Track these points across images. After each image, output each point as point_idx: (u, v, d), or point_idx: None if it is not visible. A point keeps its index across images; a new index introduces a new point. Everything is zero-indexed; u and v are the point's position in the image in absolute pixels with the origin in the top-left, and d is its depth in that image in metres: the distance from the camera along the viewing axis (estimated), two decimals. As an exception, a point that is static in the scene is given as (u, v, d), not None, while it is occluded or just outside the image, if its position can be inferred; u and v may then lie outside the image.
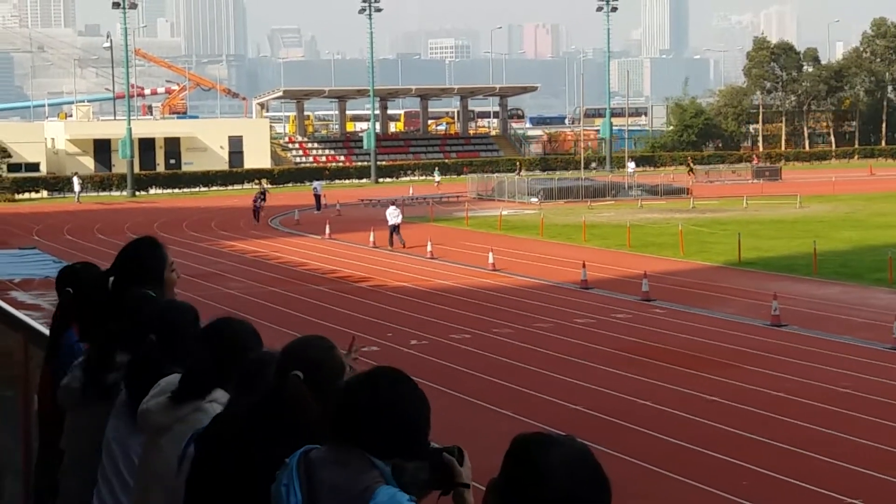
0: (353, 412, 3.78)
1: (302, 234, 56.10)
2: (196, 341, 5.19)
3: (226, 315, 5.37)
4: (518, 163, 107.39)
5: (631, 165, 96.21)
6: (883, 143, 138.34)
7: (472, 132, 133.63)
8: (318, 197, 71.16)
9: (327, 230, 54.51)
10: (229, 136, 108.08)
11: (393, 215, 48.77)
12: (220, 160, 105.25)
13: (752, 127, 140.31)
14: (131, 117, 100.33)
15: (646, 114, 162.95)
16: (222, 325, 5.21)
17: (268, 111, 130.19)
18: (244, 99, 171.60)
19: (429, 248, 45.21)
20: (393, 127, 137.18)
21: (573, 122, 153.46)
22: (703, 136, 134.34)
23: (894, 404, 19.89)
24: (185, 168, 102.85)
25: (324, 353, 4.46)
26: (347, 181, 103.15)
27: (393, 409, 3.77)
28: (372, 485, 3.65)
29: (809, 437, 17.83)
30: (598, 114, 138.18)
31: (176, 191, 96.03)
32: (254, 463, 4.27)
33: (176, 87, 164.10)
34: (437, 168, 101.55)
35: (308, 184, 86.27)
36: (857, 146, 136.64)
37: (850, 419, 18.95)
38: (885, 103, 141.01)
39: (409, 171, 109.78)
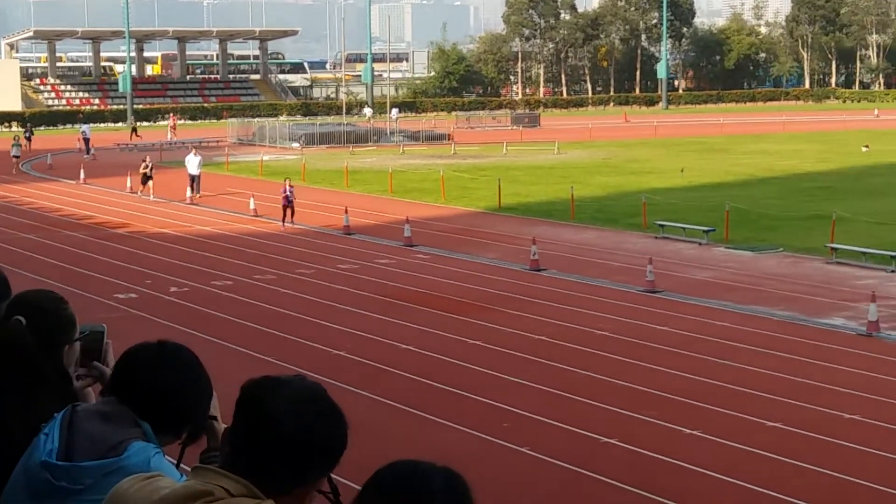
0: (132, 382, 3.68)
1: (55, 178, 54.35)
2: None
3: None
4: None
5: (394, 112, 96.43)
6: (637, 90, 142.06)
7: (231, 76, 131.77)
8: (87, 140, 69.21)
9: (82, 175, 52.96)
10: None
11: (194, 164, 45.04)
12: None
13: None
14: None
15: (407, 59, 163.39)
16: None
17: (17, 52, 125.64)
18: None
19: (188, 193, 44.37)
20: (150, 70, 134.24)
21: (335, 67, 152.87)
22: (464, 82, 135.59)
23: (650, 346, 20.41)
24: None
25: (51, 304, 4.42)
26: (103, 125, 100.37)
27: (170, 387, 3.67)
28: (128, 439, 3.56)
29: (569, 380, 18.13)
30: (359, 59, 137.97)
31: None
32: None
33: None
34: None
35: (76, 126, 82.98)
36: (612, 93, 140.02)
37: (608, 361, 19.36)
38: (639, 51, 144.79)
39: (167, 115, 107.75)
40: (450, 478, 2.73)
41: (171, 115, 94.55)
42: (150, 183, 45.52)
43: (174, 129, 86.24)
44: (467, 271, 28.59)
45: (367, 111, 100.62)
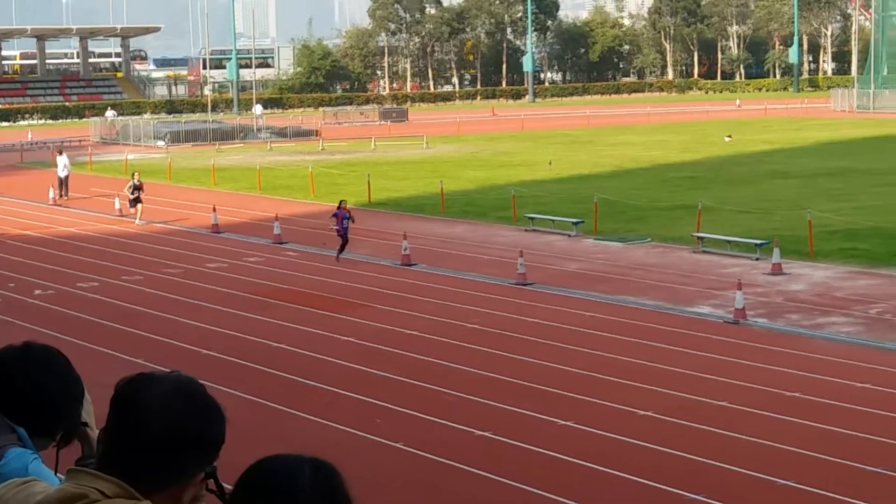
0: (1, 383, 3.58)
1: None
2: None
3: None
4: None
5: (258, 108, 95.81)
6: (504, 84, 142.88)
7: (94, 74, 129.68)
8: None
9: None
10: None
11: (61, 165, 43.99)
12: None
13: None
14: None
15: (272, 59, 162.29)
16: None
17: None
18: None
19: (51, 194, 43.53)
20: (9, 69, 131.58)
21: (199, 64, 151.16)
22: (331, 77, 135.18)
23: (521, 338, 20.50)
24: None
25: None
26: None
27: (40, 388, 3.56)
28: (5, 445, 3.47)
29: (441, 373, 18.13)
30: (223, 55, 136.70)
31: None
32: None
33: None
34: None
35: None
36: (479, 87, 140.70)
37: (479, 353, 19.40)
38: (504, 45, 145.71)
39: (27, 115, 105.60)
40: (317, 470, 2.71)
41: None
42: (140, 206, 37.54)
43: None
44: (338, 268, 28.46)
45: (109, 113, 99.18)
